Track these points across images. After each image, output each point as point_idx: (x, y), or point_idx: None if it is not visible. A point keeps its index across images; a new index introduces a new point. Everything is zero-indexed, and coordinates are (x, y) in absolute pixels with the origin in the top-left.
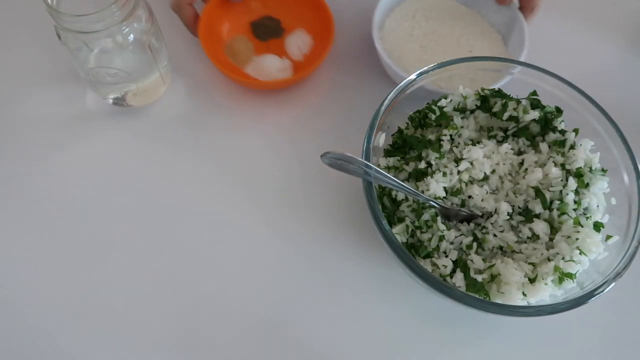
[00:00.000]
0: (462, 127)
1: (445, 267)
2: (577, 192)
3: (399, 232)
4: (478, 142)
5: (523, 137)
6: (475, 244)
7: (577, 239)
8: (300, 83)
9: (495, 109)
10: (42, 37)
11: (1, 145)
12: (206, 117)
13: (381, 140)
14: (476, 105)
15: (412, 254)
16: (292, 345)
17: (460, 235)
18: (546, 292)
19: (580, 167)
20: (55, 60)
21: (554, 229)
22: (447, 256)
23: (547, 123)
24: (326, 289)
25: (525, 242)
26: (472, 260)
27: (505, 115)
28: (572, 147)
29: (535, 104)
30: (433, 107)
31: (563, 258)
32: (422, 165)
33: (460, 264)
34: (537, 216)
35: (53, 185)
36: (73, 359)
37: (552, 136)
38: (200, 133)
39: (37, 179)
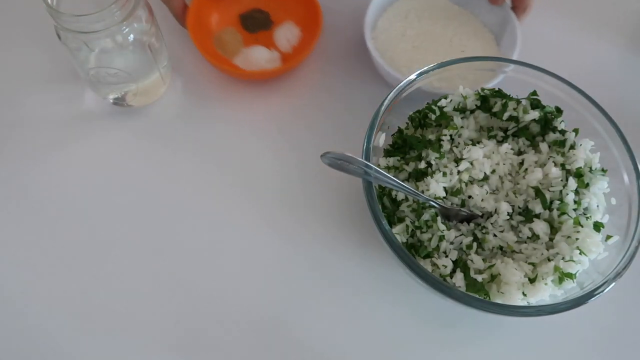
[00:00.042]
0: (462, 127)
1: (445, 267)
2: (577, 192)
3: (399, 232)
4: (478, 142)
5: (523, 137)
6: (475, 244)
7: (577, 239)
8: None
9: (495, 109)
10: (42, 37)
11: (1, 145)
12: (206, 117)
13: (381, 140)
14: (476, 105)
15: (412, 254)
16: (292, 345)
17: (460, 235)
18: (546, 292)
19: (580, 167)
20: (55, 60)
21: (554, 229)
22: (447, 256)
23: (547, 123)
24: (326, 289)
25: (525, 242)
26: (472, 260)
27: (505, 115)
28: (572, 147)
29: (535, 104)
30: (433, 107)
31: (563, 258)
32: (422, 165)
33: (460, 264)
34: (537, 216)
35: (53, 185)
36: (73, 359)
37: (552, 136)
38: (200, 133)
39: (37, 179)
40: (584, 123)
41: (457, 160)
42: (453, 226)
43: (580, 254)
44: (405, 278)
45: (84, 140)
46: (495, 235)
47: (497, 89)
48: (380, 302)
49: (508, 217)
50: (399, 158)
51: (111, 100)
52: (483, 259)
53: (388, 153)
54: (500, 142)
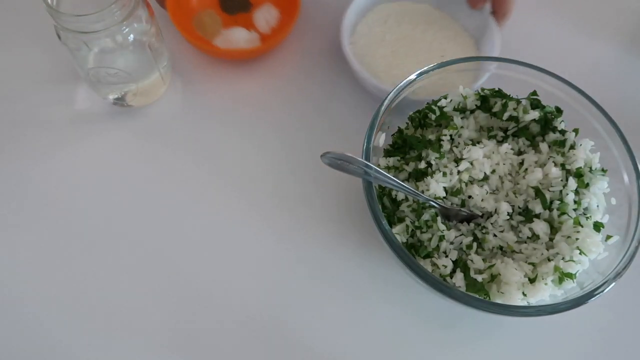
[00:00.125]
0: (462, 127)
1: (445, 267)
2: (577, 192)
3: (399, 232)
4: (478, 142)
5: (523, 137)
6: (475, 244)
7: (577, 239)
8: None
9: (495, 109)
10: (42, 37)
11: (1, 145)
12: (206, 117)
13: (381, 140)
14: (476, 105)
15: (412, 254)
16: (292, 345)
17: (460, 235)
18: (546, 292)
19: (580, 167)
20: (55, 60)
21: (554, 229)
22: (447, 256)
23: (547, 123)
24: (326, 289)
25: (525, 242)
26: (472, 260)
27: (505, 115)
28: (572, 147)
29: (535, 104)
30: (433, 107)
31: (563, 258)
32: (422, 165)
33: (460, 264)
34: (537, 216)
35: (53, 185)
36: (73, 359)
37: (552, 136)
38: (200, 133)
39: (37, 179)
40: (584, 123)
41: (457, 160)
42: (453, 226)
43: (580, 254)
44: (405, 278)
45: (84, 140)
46: (495, 235)
47: (497, 89)
48: (380, 302)
49: (508, 217)
50: (399, 158)
51: (111, 100)
52: (483, 259)
53: (388, 153)
54: (500, 142)
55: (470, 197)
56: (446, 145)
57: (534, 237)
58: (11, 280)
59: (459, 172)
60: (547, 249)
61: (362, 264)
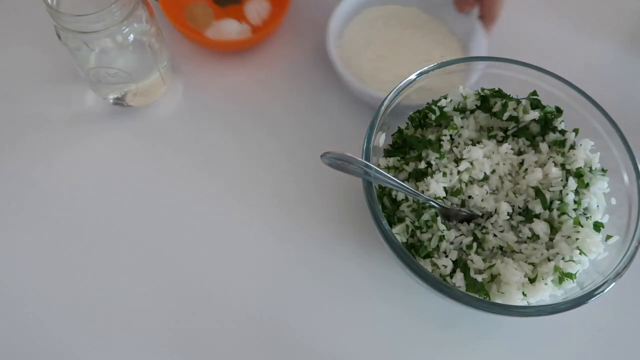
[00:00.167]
0: (462, 127)
1: (445, 267)
2: (577, 192)
3: (399, 232)
4: (478, 142)
5: (523, 137)
6: (475, 244)
7: (577, 239)
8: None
9: (495, 109)
10: (42, 37)
11: (1, 145)
12: (206, 117)
13: (381, 140)
14: (476, 105)
15: (412, 254)
16: (292, 345)
17: (460, 235)
18: (546, 292)
19: (580, 167)
20: (55, 60)
21: (554, 229)
22: (447, 256)
23: (547, 123)
24: (326, 289)
25: (525, 242)
26: (472, 260)
27: (505, 115)
28: (572, 147)
29: (535, 104)
30: (433, 107)
31: (563, 258)
32: (422, 165)
33: (460, 264)
34: (537, 216)
35: (53, 185)
36: (73, 359)
37: (552, 136)
38: (200, 133)
39: (37, 179)
40: (584, 123)
41: (457, 160)
42: (453, 226)
43: (580, 254)
44: (405, 278)
45: (84, 140)
46: (495, 235)
47: (497, 89)
48: (380, 302)
49: (508, 217)
50: (399, 158)
51: (111, 100)
52: (483, 259)
53: (388, 153)
54: (500, 142)
55: (470, 197)
56: (446, 145)
57: (534, 237)
58: (11, 280)
59: (459, 172)
60: (547, 249)
61: (362, 264)
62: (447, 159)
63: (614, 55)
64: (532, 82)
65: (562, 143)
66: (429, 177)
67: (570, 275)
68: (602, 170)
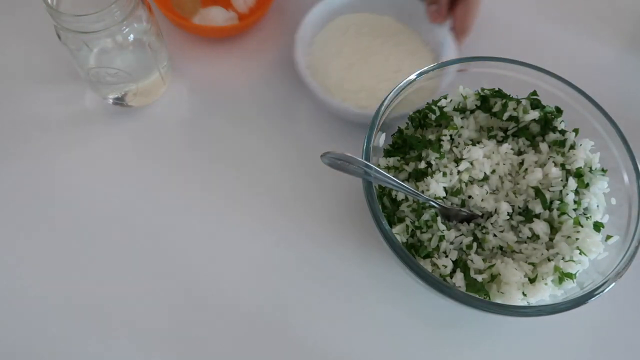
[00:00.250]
0: (462, 127)
1: (445, 267)
2: (577, 192)
3: (399, 232)
4: (478, 142)
5: (523, 137)
6: (475, 244)
7: (577, 239)
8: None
9: (495, 109)
10: (42, 37)
11: (1, 145)
12: (206, 117)
13: (381, 140)
14: (476, 105)
15: (412, 254)
16: (292, 345)
17: (460, 235)
18: (546, 292)
19: (580, 167)
20: (55, 60)
21: (554, 229)
22: (447, 256)
23: (547, 123)
24: (326, 289)
25: (525, 242)
26: (472, 260)
27: (505, 115)
28: (572, 147)
29: (535, 104)
30: (433, 107)
31: (563, 258)
32: (422, 165)
33: (460, 264)
34: (537, 216)
35: (53, 185)
36: (73, 359)
37: (552, 136)
38: (200, 133)
39: (37, 179)
40: (584, 123)
41: (457, 160)
42: (453, 226)
43: (580, 254)
44: (405, 278)
45: (84, 140)
46: (495, 235)
47: (497, 89)
48: (380, 302)
49: (508, 217)
50: (399, 158)
51: (111, 100)
52: (483, 259)
53: (388, 153)
54: (500, 142)
55: (470, 197)
56: (446, 145)
57: (534, 237)
58: (11, 280)
59: (459, 172)
60: (547, 249)
61: (362, 264)
62: (447, 159)
63: (614, 55)
64: (532, 82)
65: (562, 143)
66: (429, 177)
67: (570, 275)
68: (602, 170)
